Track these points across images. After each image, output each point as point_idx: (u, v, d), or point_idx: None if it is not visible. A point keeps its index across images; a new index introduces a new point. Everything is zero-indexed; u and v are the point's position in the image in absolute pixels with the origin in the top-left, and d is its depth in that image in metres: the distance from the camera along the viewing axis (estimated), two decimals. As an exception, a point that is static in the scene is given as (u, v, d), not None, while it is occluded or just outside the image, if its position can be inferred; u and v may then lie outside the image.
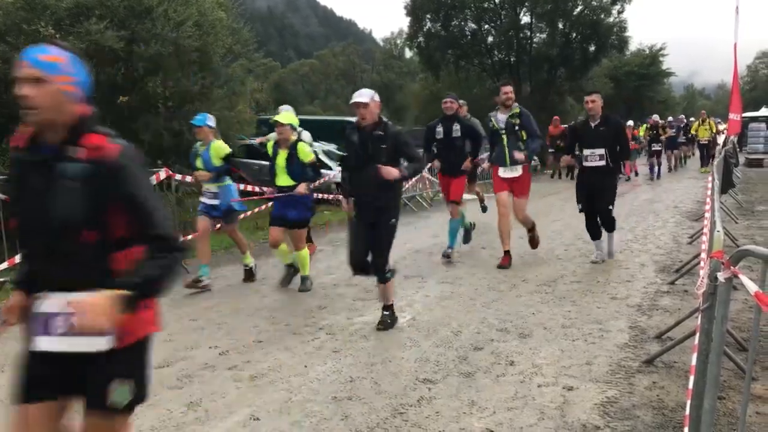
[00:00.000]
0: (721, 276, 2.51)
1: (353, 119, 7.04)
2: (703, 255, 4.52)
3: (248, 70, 17.68)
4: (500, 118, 7.67)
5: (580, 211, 7.67)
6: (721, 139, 17.12)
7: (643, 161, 21.21)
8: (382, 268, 5.28)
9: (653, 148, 19.49)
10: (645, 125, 22.04)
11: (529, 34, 35.85)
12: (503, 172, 7.65)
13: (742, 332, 4.84)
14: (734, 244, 7.75)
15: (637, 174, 19.57)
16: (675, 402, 3.72)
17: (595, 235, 7.72)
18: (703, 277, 2.87)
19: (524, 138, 7.58)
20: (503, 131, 7.59)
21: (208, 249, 7.21)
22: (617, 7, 34.85)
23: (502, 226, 7.70)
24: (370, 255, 5.32)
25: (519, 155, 7.45)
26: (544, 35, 36.06)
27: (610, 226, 7.70)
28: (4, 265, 6.66)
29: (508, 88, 7.70)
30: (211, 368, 4.55)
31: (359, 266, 5.38)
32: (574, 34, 35.43)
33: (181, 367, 4.62)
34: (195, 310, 6.21)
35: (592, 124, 7.46)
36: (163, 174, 8.43)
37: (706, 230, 5.45)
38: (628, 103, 43.32)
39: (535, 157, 22.45)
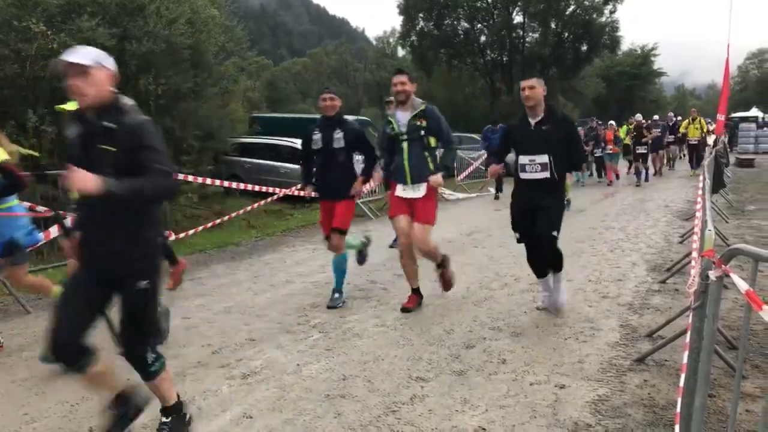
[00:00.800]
0: (713, 274, 2.53)
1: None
2: (694, 254, 4.55)
3: (241, 68, 17.70)
4: (401, 118, 5.73)
5: (518, 241, 5.60)
6: (711, 139, 16.97)
7: (624, 164, 19.80)
8: (141, 357, 3.21)
9: (638, 151, 17.94)
10: (625, 126, 20.41)
11: (521, 33, 36.02)
12: (403, 191, 5.77)
13: (731, 330, 4.88)
14: (725, 243, 7.80)
15: (618, 177, 18.52)
16: (666, 400, 3.75)
17: (540, 272, 5.61)
18: (694, 276, 2.89)
19: (431, 145, 5.71)
20: (404, 137, 5.69)
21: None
22: (609, 7, 35.10)
23: (405, 262, 5.88)
24: (118, 339, 3.21)
25: (435, 178, 5.63)
26: (536, 35, 36.26)
27: (556, 261, 5.51)
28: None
29: (399, 78, 5.69)
30: (204, 366, 4.54)
31: (63, 351, 2.99)
32: (567, 34, 35.63)
33: (173, 365, 4.59)
34: (187, 308, 6.19)
35: (532, 122, 5.42)
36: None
37: (697, 229, 5.48)
38: (620, 103, 43.63)
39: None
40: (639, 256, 7.96)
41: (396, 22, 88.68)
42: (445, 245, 8.87)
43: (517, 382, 4.09)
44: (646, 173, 18.33)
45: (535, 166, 5.34)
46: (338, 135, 5.99)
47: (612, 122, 19.05)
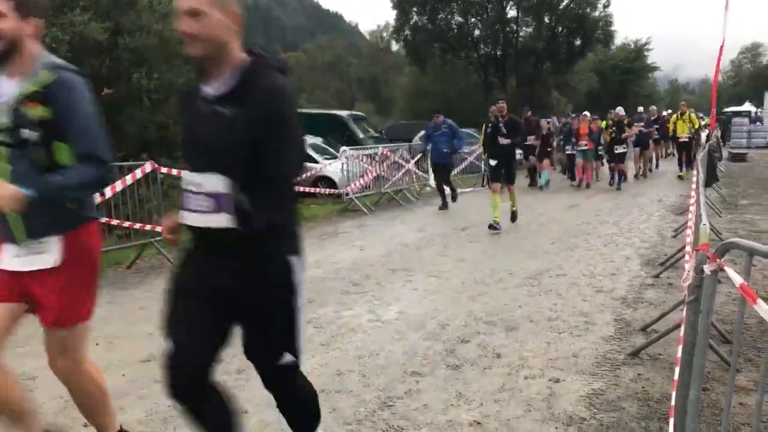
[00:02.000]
0: (707, 268, 2.54)
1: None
2: (688, 248, 4.57)
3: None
4: (6, 91, 2.52)
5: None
6: (704, 135, 16.64)
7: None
8: None
9: (616, 151, 15.49)
10: (606, 120, 17.39)
11: (515, 27, 36.05)
12: (14, 258, 2.60)
13: (725, 324, 4.90)
14: (718, 237, 7.83)
15: (596, 179, 16.66)
16: (660, 393, 3.76)
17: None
18: (689, 270, 2.90)
19: (60, 162, 2.52)
20: (4, 137, 2.51)
21: None
22: (603, 1, 35.17)
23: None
24: None
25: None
26: (530, 29, 36.34)
27: (296, 407, 2.80)
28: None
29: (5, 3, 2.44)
30: (199, 362, 4.53)
31: None
32: (560, 28, 35.70)
33: (167, 361, 4.59)
34: (181, 303, 6.17)
35: (208, 95, 2.30)
36: (148, 167, 8.36)
37: (690, 223, 5.50)
38: (613, 98, 43.69)
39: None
40: (633, 251, 7.99)
41: (390, 16, 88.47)
42: (440, 240, 8.89)
43: (511, 376, 4.10)
44: (622, 176, 16.02)
45: (199, 199, 2.28)
46: None
47: (586, 113, 16.76)
